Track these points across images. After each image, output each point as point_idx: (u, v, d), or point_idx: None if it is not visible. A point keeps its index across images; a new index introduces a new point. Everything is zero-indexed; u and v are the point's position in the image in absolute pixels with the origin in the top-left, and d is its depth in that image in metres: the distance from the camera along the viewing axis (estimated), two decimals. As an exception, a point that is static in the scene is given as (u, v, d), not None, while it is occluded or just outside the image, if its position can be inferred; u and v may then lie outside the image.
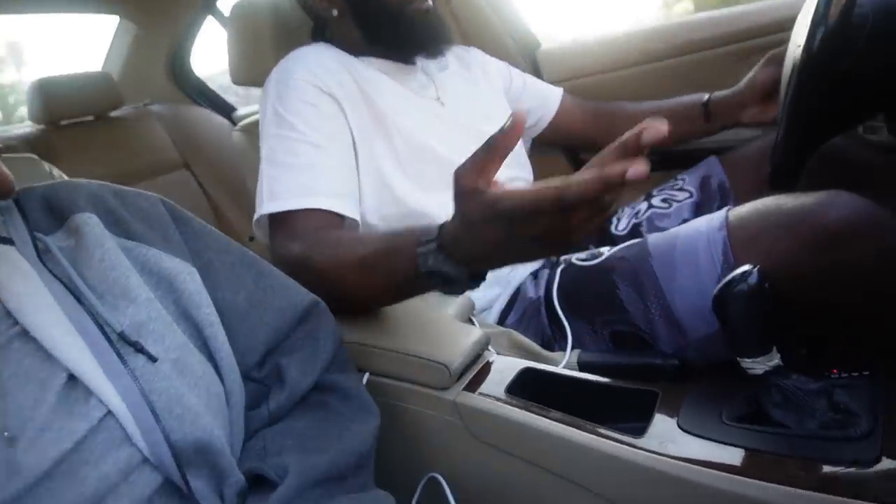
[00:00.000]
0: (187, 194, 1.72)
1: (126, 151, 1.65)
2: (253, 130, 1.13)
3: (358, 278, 0.70)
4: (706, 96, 1.11)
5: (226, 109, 2.09)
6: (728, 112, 1.09)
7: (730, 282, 0.60)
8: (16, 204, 0.55)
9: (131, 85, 1.83)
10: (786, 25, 1.12)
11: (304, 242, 0.78)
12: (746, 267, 0.60)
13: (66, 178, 0.76)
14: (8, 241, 0.51)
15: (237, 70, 1.13)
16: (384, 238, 0.71)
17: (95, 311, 0.49)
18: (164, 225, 0.59)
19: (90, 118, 1.65)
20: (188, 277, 0.56)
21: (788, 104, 0.70)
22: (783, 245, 0.68)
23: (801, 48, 0.66)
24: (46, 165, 0.74)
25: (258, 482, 0.53)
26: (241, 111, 2.10)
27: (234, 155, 1.25)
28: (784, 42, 1.12)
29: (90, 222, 0.53)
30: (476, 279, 0.60)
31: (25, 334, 0.47)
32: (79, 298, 0.49)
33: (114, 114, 1.70)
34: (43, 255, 0.51)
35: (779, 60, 1.00)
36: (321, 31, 1.06)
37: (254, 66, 1.10)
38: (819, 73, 0.66)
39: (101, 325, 0.48)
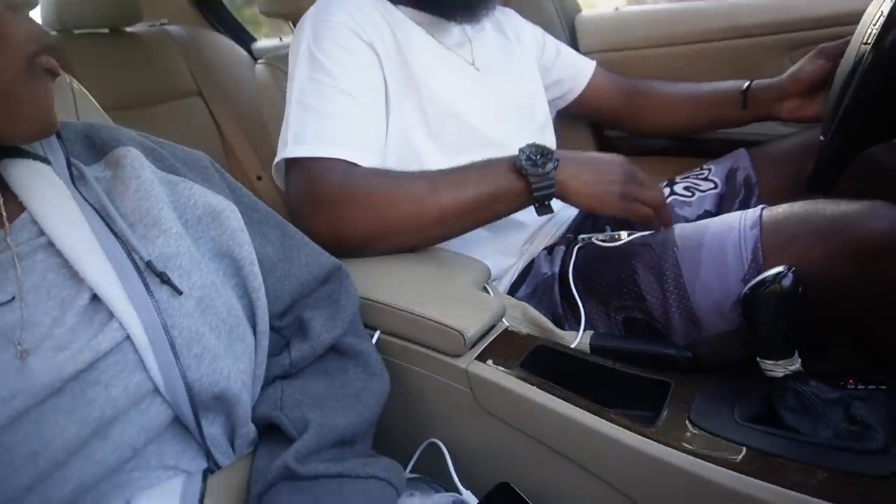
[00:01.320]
0: (198, 123, 1.67)
1: (139, 71, 1.60)
2: (276, 65, 1.10)
3: (446, 191, 0.78)
4: (747, 83, 1.08)
5: (245, 40, 2.02)
6: (766, 102, 1.05)
7: (762, 281, 0.59)
8: (57, 138, 0.54)
9: (149, 0, 1.76)
10: (837, 21, 1.09)
11: (348, 176, 0.79)
12: (782, 268, 0.58)
13: (84, 91, 0.73)
14: (45, 160, 0.51)
15: (267, 0, 1.08)
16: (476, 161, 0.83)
17: (125, 238, 0.48)
18: (205, 168, 0.59)
19: (105, 30, 1.59)
20: (232, 214, 0.56)
21: (845, 104, 0.67)
22: (818, 251, 0.66)
23: (869, 47, 0.63)
24: (67, 77, 0.70)
25: (269, 430, 0.53)
26: (260, 44, 2.03)
27: (250, 88, 1.21)
28: (833, 38, 1.08)
29: (129, 155, 0.53)
30: (544, 201, 0.80)
31: (50, 247, 0.46)
32: (109, 225, 0.48)
33: (129, 29, 1.64)
34: (77, 181, 0.51)
35: (828, 55, 0.96)
36: None
37: (285, -3, 1.06)
38: (884, 75, 0.63)
39: (130, 253, 0.47)
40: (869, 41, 0.65)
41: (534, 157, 0.79)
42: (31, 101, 0.46)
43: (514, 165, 0.79)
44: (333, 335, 0.59)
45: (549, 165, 0.79)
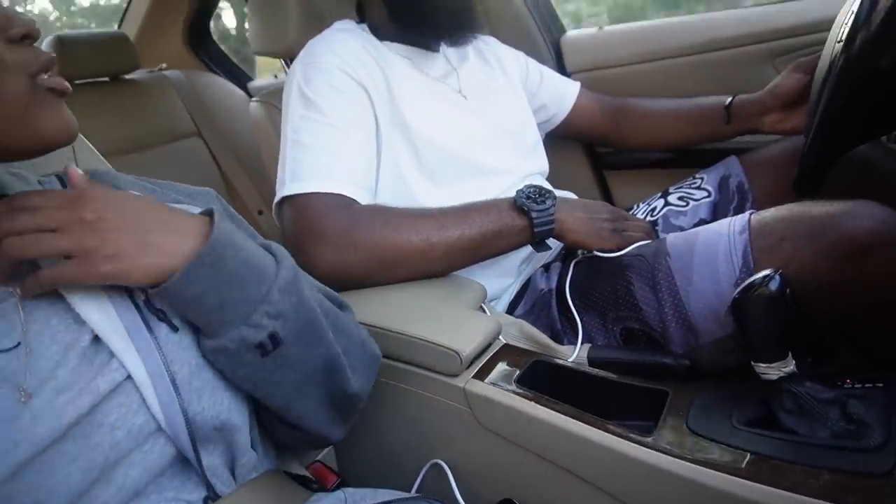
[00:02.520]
0: (199, 163, 1.70)
1: (139, 116, 1.64)
2: (270, 102, 1.12)
3: (452, 228, 0.81)
4: (729, 99, 1.09)
5: (242, 79, 2.07)
6: (749, 117, 1.07)
7: (750, 285, 0.59)
8: (58, 179, 0.56)
9: (148, 48, 1.81)
10: (818, 27, 1.11)
11: (352, 213, 0.81)
12: (768, 271, 0.59)
13: (83, 138, 0.75)
14: None
15: (258, 40, 1.12)
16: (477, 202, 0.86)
17: None
18: (207, 196, 0.61)
19: (105, 79, 1.64)
20: None
21: (822, 107, 0.68)
22: (806, 253, 0.67)
23: (842, 45, 0.65)
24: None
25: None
26: (256, 82, 2.08)
27: (248, 126, 1.23)
28: (815, 44, 1.10)
29: None
30: (544, 238, 0.84)
31: (54, 291, 0.47)
32: None
33: (128, 76, 1.69)
34: None
35: (805, 69, 0.98)
36: (360, 4, 1.04)
37: (275, 36, 1.09)
38: (856, 76, 0.64)
39: (130, 293, 0.48)
40: (842, 38, 0.66)
41: (533, 196, 0.84)
42: (45, 119, 0.47)
43: (515, 203, 0.84)
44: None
45: (549, 202, 0.83)
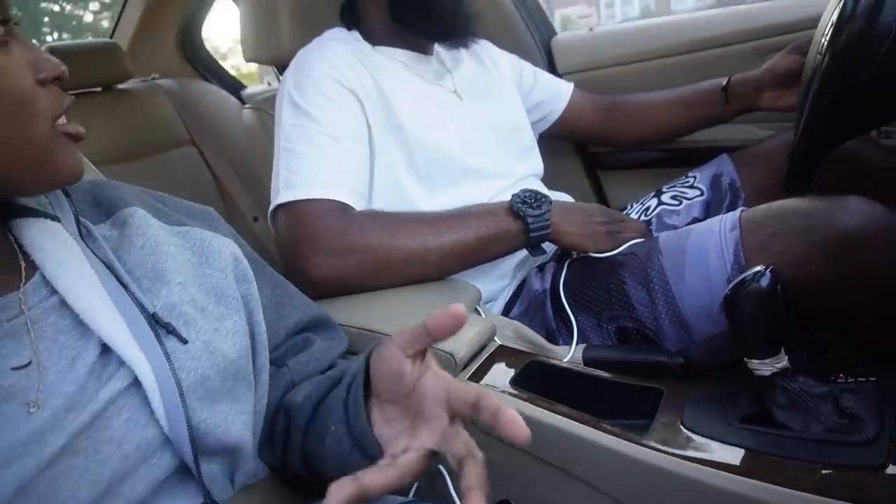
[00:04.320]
0: (193, 171, 1.70)
1: (133, 125, 1.64)
2: (264, 109, 1.13)
3: (448, 234, 0.82)
4: (726, 79, 1.10)
5: (235, 87, 2.07)
6: (746, 94, 1.07)
7: (742, 282, 0.60)
8: (62, 191, 0.56)
9: (140, 57, 1.82)
10: (809, 24, 1.11)
11: (347, 219, 0.82)
12: (759, 267, 0.59)
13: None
14: (55, 218, 0.52)
15: (250, 47, 1.12)
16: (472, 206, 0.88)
17: (131, 292, 0.49)
18: (209, 216, 0.61)
19: (97, 89, 1.64)
20: (240, 254, 0.58)
21: (809, 105, 0.69)
22: (796, 249, 0.67)
23: (825, 50, 0.66)
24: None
25: None
26: (250, 90, 2.08)
27: (242, 133, 1.24)
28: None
29: (136, 214, 0.54)
30: (540, 242, 0.85)
31: (62, 307, 0.47)
32: (118, 280, 0.50)
33: (121, 86, 1.69)
34: (85, 238, 0.52)
35: (803, 50, 0.98)
36: (350, 9, 1.03)
37: (267, 43, 1.09)
38: (841, 76, 0.65)
39: (138, 305, 0.49)
40: (822, 52, 0.67)
41: (529, 200, 0.85)
42: (63, 161, 0.48)
43: (511, 208, 0.85)
44: (328, 344, 0.61)
45: (544, 207, 0.84)
